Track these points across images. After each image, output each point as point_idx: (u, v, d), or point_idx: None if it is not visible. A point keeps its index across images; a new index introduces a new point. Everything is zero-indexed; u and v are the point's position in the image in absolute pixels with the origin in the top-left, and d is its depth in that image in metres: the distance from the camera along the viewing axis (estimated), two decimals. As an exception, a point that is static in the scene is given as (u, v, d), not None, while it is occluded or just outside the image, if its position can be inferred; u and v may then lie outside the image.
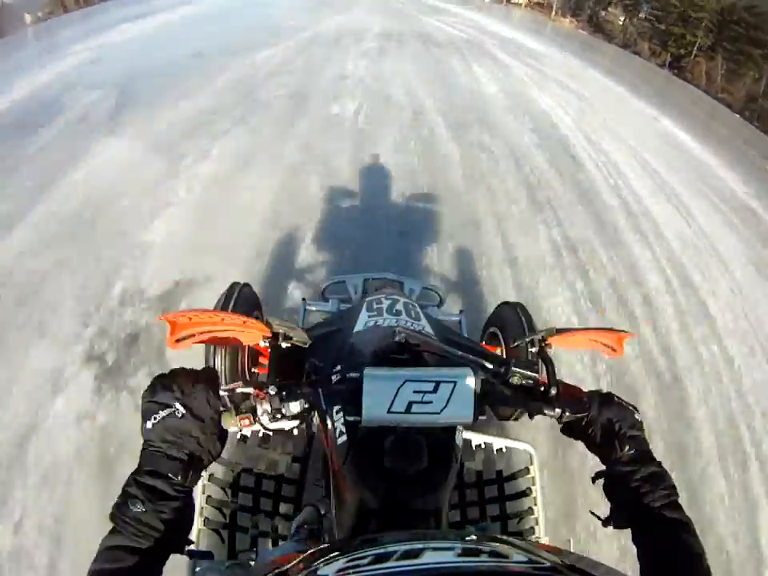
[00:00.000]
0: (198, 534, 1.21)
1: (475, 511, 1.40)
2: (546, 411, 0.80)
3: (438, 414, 0.72)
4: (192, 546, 0.69)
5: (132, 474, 0.65)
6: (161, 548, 0.62)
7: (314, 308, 1.99)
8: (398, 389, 0.72)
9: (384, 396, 0.72)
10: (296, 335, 0.91)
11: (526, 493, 1.32)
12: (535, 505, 1.28)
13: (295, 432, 1.46)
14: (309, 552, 0.54)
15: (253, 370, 1.53)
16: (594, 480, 0.78)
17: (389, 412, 0.72)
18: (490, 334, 1.91)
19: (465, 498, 1.43)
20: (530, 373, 0.83)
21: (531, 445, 1.38)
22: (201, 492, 1.26)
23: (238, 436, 1.43)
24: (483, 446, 1.42)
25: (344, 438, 0.87)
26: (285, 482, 1.44)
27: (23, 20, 8.20)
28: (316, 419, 1.28)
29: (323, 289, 2.02)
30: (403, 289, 1.90)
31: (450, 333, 1.32)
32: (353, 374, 0.78)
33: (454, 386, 0.72)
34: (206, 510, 1.25)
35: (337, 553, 0.49)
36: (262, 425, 0.75)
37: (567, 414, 0.79)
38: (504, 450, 1.40)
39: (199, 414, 0.69)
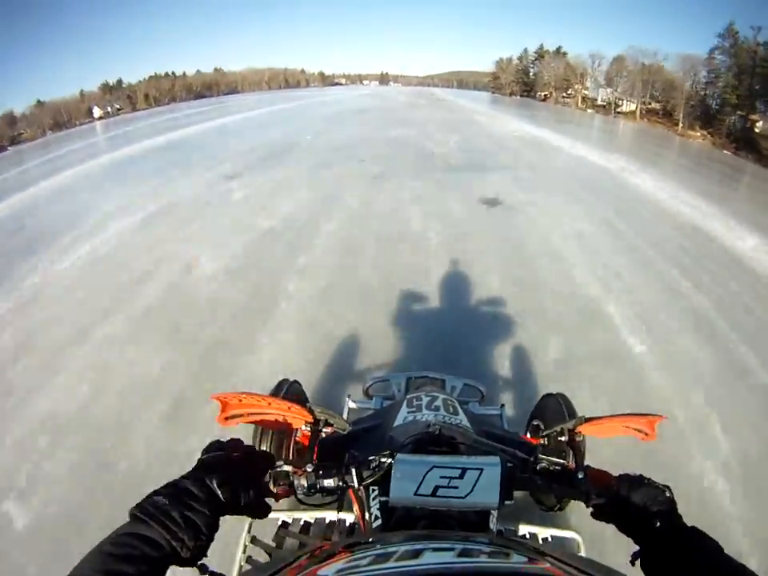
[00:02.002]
0: None
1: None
2: (572, 495, 0.83)
3: (463, 498, 0.77)
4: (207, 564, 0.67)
5: (169, 482, 0.68)
6: (176, 547, 0.61)
7: (356, 405, 2.07)
8: (426, 473, 0.78)
9: (412, 479, 0.78)
10: (336, 422, 0.99)
11: None
12: None
13: (336, 521, 1.47)
14: (309, 552, 0.56)
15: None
16: (632, 562, 0.75)
17: (416, 494, 0.77)
18: (534, 427, 1.91)
19: None
20: (556, 459, 0.87)
21: (578, 533, 1.31)
22: (237, 572, 1.28)
23: (280, 522, 1.45)
24: (528, 536, 1.36)
25: (378, 522, 0.91)
26: None
27: (92, 113, 9.83)
28: (355, 509, 1.32)
29: (367, 387, 2.13)
30: (445, 386, 1.96)
31: (488, 425, 1.37)
32: (385, 459, 0.84)
33: (481, 473, 0.77)
34: None
35: (337, 553, 0.50)
36: (298, 498, 0.83)
37: (594, 497, 0.81)
38: (550, 539, 1.34)
39: (254, 462, 0.78)
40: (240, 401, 0.98)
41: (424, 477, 0.77)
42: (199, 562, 0.67)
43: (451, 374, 2.07)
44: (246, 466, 0.78)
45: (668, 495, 0.77)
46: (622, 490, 0.79)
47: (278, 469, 0.86)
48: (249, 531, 1.35)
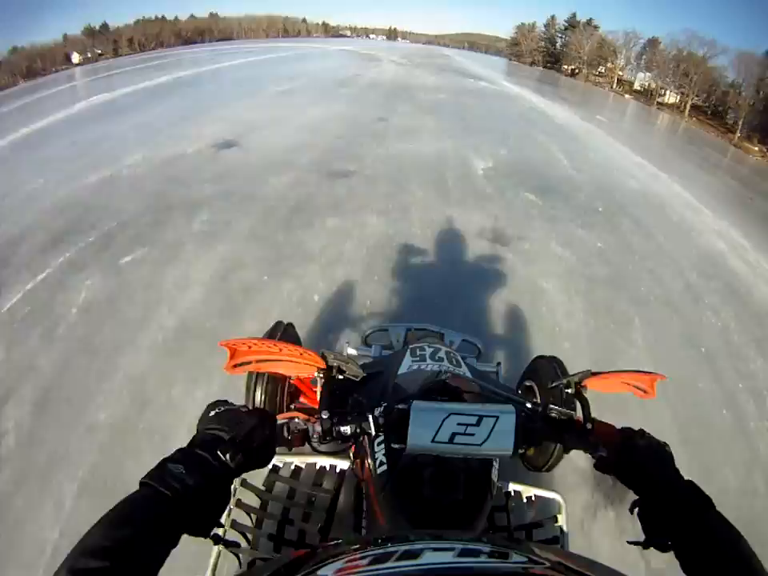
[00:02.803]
0: (218, 555, 1.22)
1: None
2: (580, 446, 0.85)
3: (480, 445, 0.77)
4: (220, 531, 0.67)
5: (178, 449, 0.68)
6: (190, 517, 0.61)
7: (356, 352, 2.08)
8: (443, 420, 0.78)
9: (429, 426, 0.78)
10: (349, 369, 0.98)
11: (554, 542, 1.30)
12: None
13: (327, 468, 1.49)
14: (309, 552, 0.55)
15: (291, 405, 1.59)
16: (631, 510, 0.81)
17: (433, 441, 0.78)
18: (526, 387, 1.95)
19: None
20: (566, 410, 0.90)
21: (561, 495, 1.38)
22: (226, 515, 1.28)
23: (270, 466, 1.46)
24: (513, 493, 1.42)
25: (384, 467, 0.92)
26: (313, 516, 1.46)
27: (70, 59, 9.09)
28: (351, 455, 1.33)
29: (366, 335, 2.13)
30: (443, 339, 1.98)
31: (489, 380, 1.38)
32: (401, 406, 0.84)
33: (496, 420, 0.78)
34: (229, 533, 1.27)
35: (337, 553, 0.50)
36: (312, 446, 0.83)
37: (601, 448, 0.84)
38: (533, 498, 1.40)
39: (263, 420, 0.78)
40: (249, 347, 0.95)
41: (441, 424, 0.77)
42: (213, 533, 0.68)
43: (450, 329, 2.10)
44: (258, 421, 0.77)
45: (667, 450, 0.83)
46: (625, 443, 0.84)
47: (291, 416, 0.86)
48: (233, 495, 1.36)
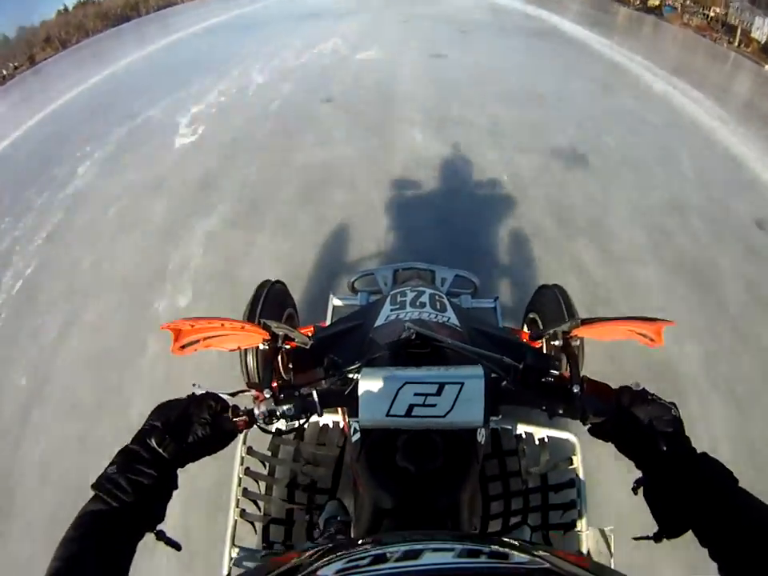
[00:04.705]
0: (234, 525, 1.24)
1: (518, 502, 1.33)
2: (566, 412, 0.72)
3: (443, 417, 0.67)
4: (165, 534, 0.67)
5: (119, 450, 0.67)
6: (131, 517, 0.61)
7: (341, 302, 1.95)
8: (398, 391, 0.68)
9: (382, 399, 0.68)
10: (296, 336, 0.89)
11: (569, 484, 1.23)
12: (578, 497, 1.19)
13: (331, 425, 1.46)
14: (309, 552, 0.54)
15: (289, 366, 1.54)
16: (634, 490, 0.68)
17: (388, 415, 0.68)
18: (530, 320, 1.82)
19: (509, 488, 1.37)
20: (548, 369, 0.74)
21: (575, 434, 1.28)
22: (236, 485, 1.29)
23: (274, 429, 1.45)
24: (524, 435, 1.34)
25: (357, 435, 0.85)
26: (321, 476, 1.45)
27: None
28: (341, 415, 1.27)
29: (352, 282, 1.97)
30: (435, 278, 1.84)
31: (479, 322, 1.26)
32: (352, 375, 0.74)
33: (461, 388, 0.67)
34: (242, 502, 1.28)
35: (337, 553, 0.49)
36: (259, 426, 0.75)
37: (591, 415, 0.70)
38: (546, 439, 1.31)
39: (200, 402, 0.72)
40: (192, 326, 0.88)
41: (396, 394, 0.67)
42: (157, 528, 0.65)
43: (442, 266, 1.93)
44: (196, 406, 0.72)
45: (674, 414, 0.68)
46: (623, 407, 0.70)
47: (243, 394, 0.78)
48: (244, 443, 1.35)
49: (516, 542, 0.52)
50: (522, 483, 1.33)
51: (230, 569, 1.15)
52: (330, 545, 0.54)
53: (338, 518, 1.32)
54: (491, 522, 1.34)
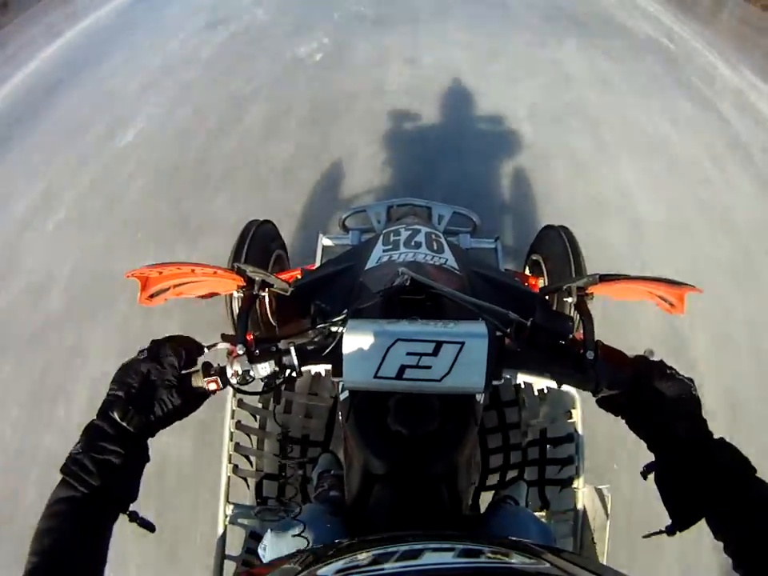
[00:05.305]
0: (228, 481, 1.21)
1: (516, 455, 1.31)
2: (577, 381, 0.65)
3: (438, 381, 0.59)
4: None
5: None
6: (102, 499, 0.58)
7: (331, 242, 1.82)
8: (388, 349, 0.59)
9: (370, 357, 0.60)
10: (274, 282, 0.81)
11: (567, 439, 1.19)
12: (576, 453, 1.15)
13: (323, 374, 1.41)
14: (308, 552, 0.53)
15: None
16: (644, 475, 0.63)
17: (376, 377, 0.60)
18: (533, 262, 1.74)
19: (509, 441, 1.34)
20: (560, 330, 0.66)
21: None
22: (228, 439, 1.25)
23: (262, 384, 1.41)
24: (523, 385, 1.29)
25: (346, 393, 0.78)
26: (313, 428, 1.42)
27: None
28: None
29: (343, 219, 1.84)
30: (431, 215, 1.72)
31: (479, 265, 1.16)
32: (336, 328, 0.66)
33: (461, 348, 0.58)
34: (234, 457, 1.25)
35: (336, 553, 0.48)
36: (233, 387, 0.68)
37: (604, 385, 0.63)
38: (546, 390, 1.26)
39: (162, 362, 0.65)
40: (160, 273, 0.79)
41: (386, 353, 0.59)
42: (130, 509, 0.62)
43: (439, 202, 1.80)
44: (159, 367, 0.65)
45: (694, 393, 0.62)
46: (639, 380, 0.64)
47: (219, 347, 0.71)
48: (234, 395, 1.30)
49: (517, 542, 0.52)
50: (521, 436, 1.30)
51: (225, 526, 1.13)
52: (330, 546, 0.53)
53: (332, 472, 1.29)
54: (489, 476, 1.32)
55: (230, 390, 0.68)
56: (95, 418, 0.62)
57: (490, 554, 0.44)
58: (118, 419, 0.60)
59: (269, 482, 1.29)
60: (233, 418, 1.26)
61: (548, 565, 0.43)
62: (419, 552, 0.44)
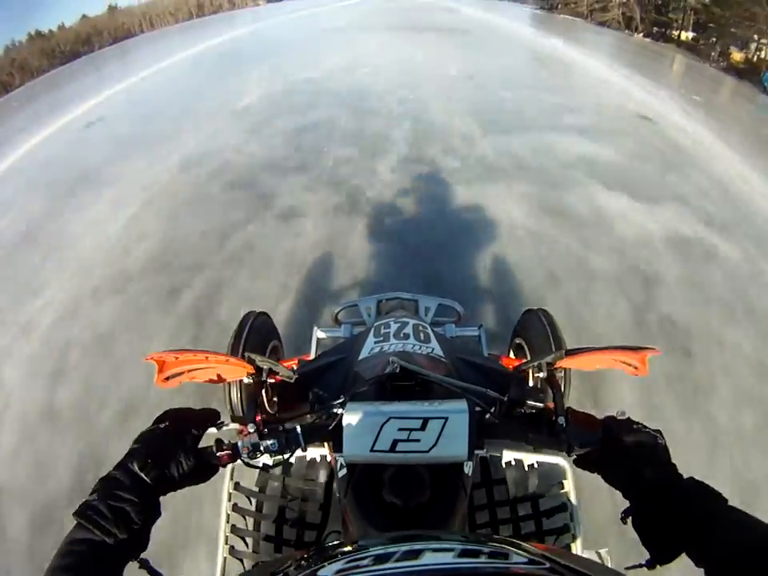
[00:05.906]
0: (224, 562, 1.21)
1: (508, 530, 1.31)
2: (552, 444, 0.73)
3: (427, 452, 0.68)
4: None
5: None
6: (115, 545, 0.60)
7: (325, 334, 1.95)
8: (382, 426, 0.69)
9: (366, 434, 0.69)
10: (281, 371, 0.90)
11: (561, 508, 1.22)
12: (571, 521, 1.18)
13: (318, 459, 1.44)
14: (308, 553, 0.54)
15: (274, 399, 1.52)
16: (623, 520, 0.69)
17: (372, 450, 0.68)
18: (516, 345, 1.84)
19: (496, 517, 1.35)
20: (533, 402, 0.76)
21: (565, 458, 1.27)
22: (225, 521, 1.26)
23: (261, 464, 1.43)
24: (513, 462, 1.33)
25: (344, 470, 0.84)
26: (309, 511, 1.42)
27: None
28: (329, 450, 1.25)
29: (335, 314, 1.97)
30: (418, 307, 1.86)
31: (464, 352, 1.27)
32: (336, 410, 0.74)
33: (445, 422, 0.68)
34: (230, 539, 1.25)
35: (336, 553, 0.49)
36: (243, 461, 0.75)
37: (576, 446, 0.71)
38: (535, 465, 1.30)
39: (180, 427, 0.72)
40: (176, 358, 0.88)
41: (380, 430, 0.68)
42: (141, 556, 0.65)
43: (425, 294, 1.95)
44: (179, 435, 0.72)
45: (660, 442, 0.69)
46: (609, 437, 0.71)
47: (230, 427, 0.78)
48: (231, 478, 1.32)
49: (517, 542, 0.52)
50: (510, 512, 1.31)
51: None
52: (330, 546, 0.56)
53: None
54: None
55: (233, 466, 0.75)
56: (112, 470, 0.66)
57: (489, 554, 0.45)
58: (137, 469, 0.65)
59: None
60: (229, 500, 1.28)
61: (548, 565, 0.44)
62: (419, 552, 0.45)
